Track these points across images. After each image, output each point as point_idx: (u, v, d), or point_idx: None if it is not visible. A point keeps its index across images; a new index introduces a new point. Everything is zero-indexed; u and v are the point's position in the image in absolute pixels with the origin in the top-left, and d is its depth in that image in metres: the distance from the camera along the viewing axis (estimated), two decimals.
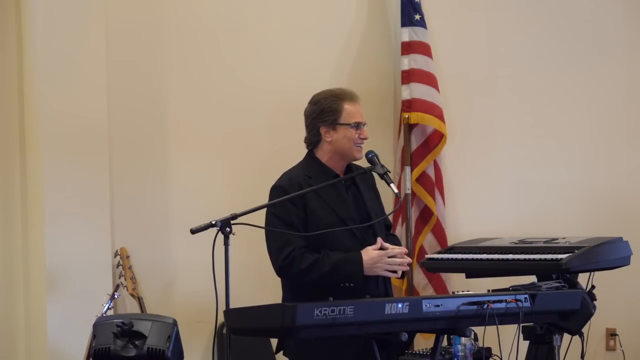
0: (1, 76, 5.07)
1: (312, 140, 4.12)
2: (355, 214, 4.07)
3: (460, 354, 4.28)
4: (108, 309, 4.69)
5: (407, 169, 5.81)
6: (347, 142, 4.05)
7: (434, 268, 5.22)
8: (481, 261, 4.77)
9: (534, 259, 4.59)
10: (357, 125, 4.05)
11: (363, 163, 4.21)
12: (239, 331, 3.77)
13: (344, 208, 4.05)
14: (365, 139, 4.08)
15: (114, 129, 5.12)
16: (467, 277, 5.03)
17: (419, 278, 5.78)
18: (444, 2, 6.08)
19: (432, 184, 5.82)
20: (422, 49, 5.85)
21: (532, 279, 4.46)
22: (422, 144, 5.84)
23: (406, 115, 5.81)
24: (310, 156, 4.14)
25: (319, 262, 3.91)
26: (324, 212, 4.01)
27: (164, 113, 5.36)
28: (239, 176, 5.46)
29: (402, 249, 4.03)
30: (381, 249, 3.97)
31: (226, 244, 3.70)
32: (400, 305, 3.61)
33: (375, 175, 4.16)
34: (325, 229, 3.96)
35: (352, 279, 3.93)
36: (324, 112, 4.07)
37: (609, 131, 6.17)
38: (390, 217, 4.58)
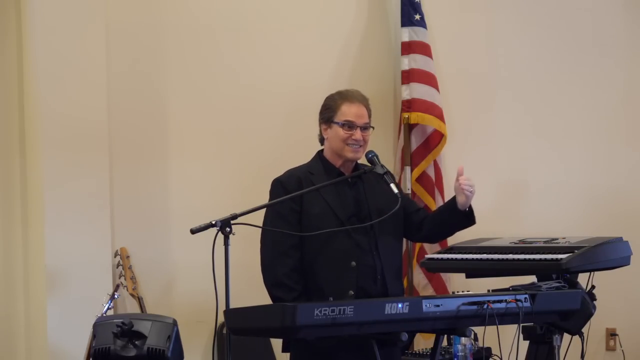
0: (1, 77, 5.06)
1: (320, 137, 4.15)
2: (355, 213, 4.06)
3: (460, 354, 4.29)
4: (108, 309, 4.69)
5: (407, 169, 5.81)
6: (338, 141, 4.05)
7: (434, 268, 5.22)
8: (481, 261, 4.76)
9: (534, 259, 4.58)
10: (349, 125, 4.02)
11: None
12: (239, 331, 3.77)
13: (340, 205, 4.04)
14: (357, 140, 4.02)
15: (114, 129, 5.12)
16: (467, 277, 5.03)
17: (419, 278, 5.78)
18: (444, 2, 6.08)
19: (432, 184, 5.82)
20: (422, 49, 5.85)
21: (532, 279, 4.46)
22: (422, 144, 5.85)
23: (406, 115, 5.81)
24: (319, 155, 4.16)
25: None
26: (319, 207, 4.01)
27: (164, 113, 5.36)
28: (238, 176, 5.46)
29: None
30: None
31: (226, 244, 3.71)
32: (400, 305, 3.61)
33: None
34: (318, 223, 3.97)
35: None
36: (324, 109, 4.11)
37: (609, 131, 6.17)
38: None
